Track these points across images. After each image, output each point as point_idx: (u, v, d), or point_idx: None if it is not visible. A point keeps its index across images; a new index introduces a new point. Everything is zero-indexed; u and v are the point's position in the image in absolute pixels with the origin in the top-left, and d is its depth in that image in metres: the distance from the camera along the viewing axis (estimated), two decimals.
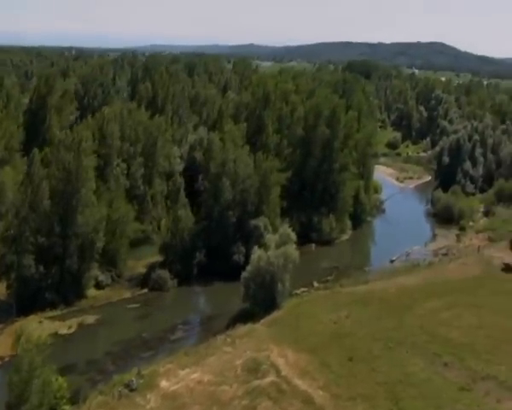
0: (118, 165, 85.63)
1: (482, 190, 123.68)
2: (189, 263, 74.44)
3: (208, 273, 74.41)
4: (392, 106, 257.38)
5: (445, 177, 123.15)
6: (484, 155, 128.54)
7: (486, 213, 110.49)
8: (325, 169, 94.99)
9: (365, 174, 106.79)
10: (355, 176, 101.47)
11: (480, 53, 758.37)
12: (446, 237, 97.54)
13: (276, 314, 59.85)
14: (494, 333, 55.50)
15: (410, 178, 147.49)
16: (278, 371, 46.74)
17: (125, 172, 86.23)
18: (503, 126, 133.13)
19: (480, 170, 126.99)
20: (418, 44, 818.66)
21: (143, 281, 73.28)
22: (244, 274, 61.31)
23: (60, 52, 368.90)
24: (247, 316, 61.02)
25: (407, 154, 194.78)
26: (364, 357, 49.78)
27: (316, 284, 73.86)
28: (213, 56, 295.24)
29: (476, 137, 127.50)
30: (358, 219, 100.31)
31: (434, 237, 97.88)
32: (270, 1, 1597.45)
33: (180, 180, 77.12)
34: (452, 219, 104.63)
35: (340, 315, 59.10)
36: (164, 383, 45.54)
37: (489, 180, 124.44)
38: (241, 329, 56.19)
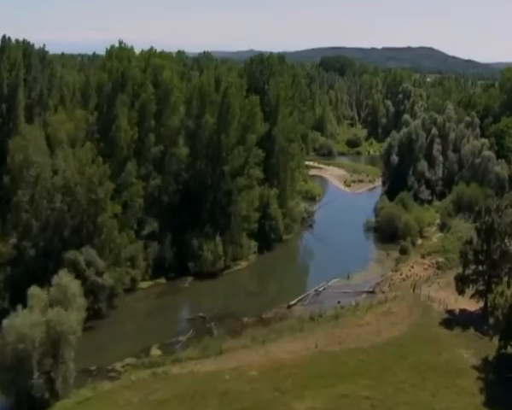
0: None
1: (443, 196, 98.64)
2: None
3: None
4: (363, 102, 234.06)
5: (395, 180, 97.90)
6: (444, 152, 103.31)
7: (443, 227, 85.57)
8: (217, 174, 69.55)
9: (282, 179, 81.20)
10: (263, 182, 76.42)
11: (466, 57, 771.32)
12: (382, 264, 72.22)
13: None
14: None
15: (361, 181, 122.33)
16: None
17: None
18: (468, 119, 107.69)
19: (440, 171, 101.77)
20: (408, 49, 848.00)
21: None
22: None
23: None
24: None
25: (368, 152, 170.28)
26: None
27: (155, 351, 48.28)
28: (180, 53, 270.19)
29: (435, 131, 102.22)
30: (267, 238, 74.87)
31: (367, 262, 72.33)
32: (269, 10, 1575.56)
33: None
34: (396, 236, 79.57)
35: None
36: None
37: (450, 184, 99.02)
38: None
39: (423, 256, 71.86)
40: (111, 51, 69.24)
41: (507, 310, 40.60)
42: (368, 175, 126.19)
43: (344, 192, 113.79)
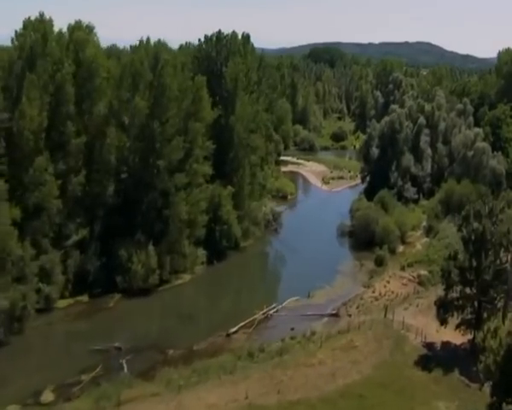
0: None
1: (431, 195, 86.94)
2: None
3: None
4: (352, 95, 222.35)
5: (376, 177, 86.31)
6: (433, 145, 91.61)
7: (429, 231, 74.07)
8: (152, 170, 57.71)
9: (240, 176, 69.41)
10: (219, 179, 64.82)
11: (464, 52, 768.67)
12: (353, 277, 60.52)
13: None
14: None
15: (341, 178, 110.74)
16: None
17: None
18: (460, 106, 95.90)
19: (428, 166, 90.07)
20: (406, 44, 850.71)
21: None
22: None
23: None
24: None
25: (354, 147, 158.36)
26: None
27: (46, 396, 37.18)
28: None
29: (422, 120, 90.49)
30: (219, 246, 63.20)
31: (335, 276, 60.51)
32: (266, 6, 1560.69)
33: None
34: (374, 242, 67.91)
35: None
36: None
37: (440, 180, 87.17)
38: None
39: (403, 268, 60.26)
40: (26, 25, 56.98)
41: (501, 357, 28.93)
42: (350, 171, 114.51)
43: (320, 190, 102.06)
